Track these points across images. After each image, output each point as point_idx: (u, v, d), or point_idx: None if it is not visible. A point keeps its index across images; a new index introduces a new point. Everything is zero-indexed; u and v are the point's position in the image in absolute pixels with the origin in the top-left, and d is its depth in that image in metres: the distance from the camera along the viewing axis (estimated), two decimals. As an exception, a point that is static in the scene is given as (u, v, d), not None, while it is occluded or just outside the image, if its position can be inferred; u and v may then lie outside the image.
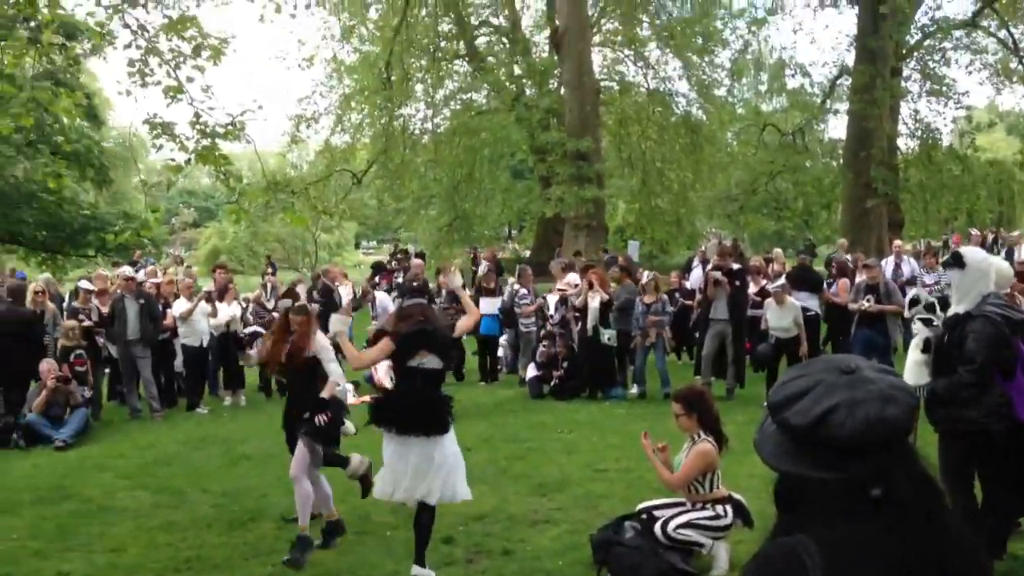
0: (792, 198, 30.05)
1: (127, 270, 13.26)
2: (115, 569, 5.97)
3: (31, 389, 10.71)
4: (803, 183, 28.19)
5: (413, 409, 5.57)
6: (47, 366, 10.64)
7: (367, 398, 11.44)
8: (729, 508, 5.46)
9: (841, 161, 27.26)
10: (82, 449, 9.98)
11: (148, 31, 7.42)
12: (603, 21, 29.18)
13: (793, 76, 28.84)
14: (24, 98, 8.48)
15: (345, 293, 15.93)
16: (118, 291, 12.00)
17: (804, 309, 11.56)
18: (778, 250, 18.42)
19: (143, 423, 11.51)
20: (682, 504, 5.53)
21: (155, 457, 9.38)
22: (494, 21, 30.80)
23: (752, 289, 12.63)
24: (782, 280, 11.97)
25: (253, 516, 7.10)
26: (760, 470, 1.63)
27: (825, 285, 13.11)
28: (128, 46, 7.45)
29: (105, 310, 11.90)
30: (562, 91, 26.02)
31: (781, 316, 11.11)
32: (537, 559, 5.81)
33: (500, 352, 14.49)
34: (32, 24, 11.74)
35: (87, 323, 11.68)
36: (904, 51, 25.92)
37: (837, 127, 48.02)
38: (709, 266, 12.76)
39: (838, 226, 27.67)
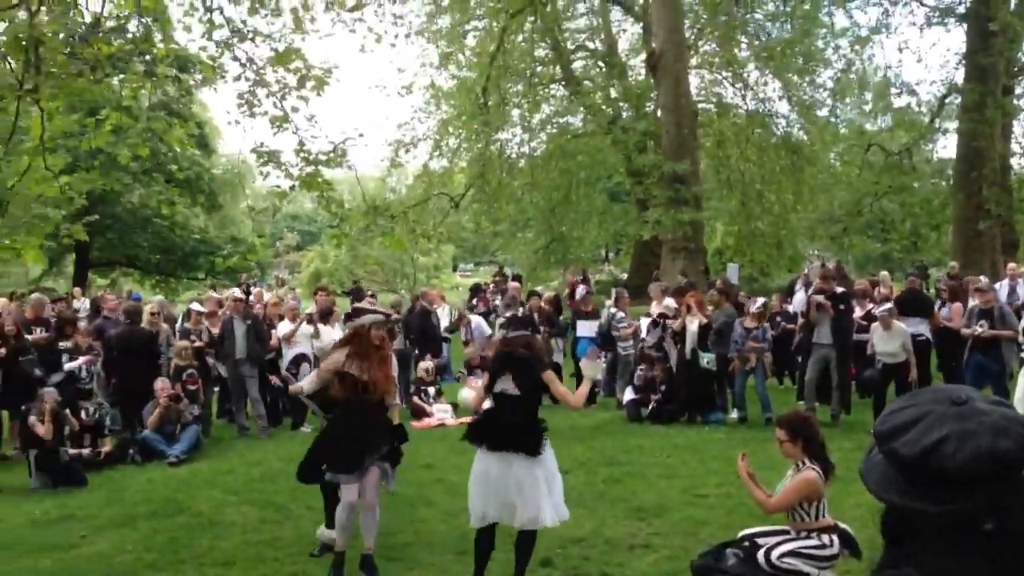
0: (899, 219, 29.17)
1: (236, 292, 13.73)
2: (224, 582, 6.17)
3: (146, 407, 11.15)
4: (911, 204, 27.35)
5: (506, 428, 5.66)
6: (161, 384, 11.07)
7: (467, 419, 11.56)
8: (835, 538, 5.31)
9: (951, 181, 26.37)
10: (193, 465, 10.34)
11: (256, 64, 7.69)
12: (700, 43, 28.96)
13: (899, 95, 28.06)
14: (141, 128, 8.90)
15: (443, 315, 16.24)
16: (227, 312, 12.42)
17: (914, 334, 11.22)
18: (884, 273, 17.88)
19: (250, 440, 11.86)
20: (786, 532, 5.41)
21: (261, 474, 9.65)
22: (590, 45, 30.90)
23: (858, 313, 12.32)
24: (889, 304, 11.62)
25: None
26: (867, 499, 1.61)
27: (936, 309, 12.72)
28: (237, 78, 7.74)
29: (215, 331, 12.34)
30: (659, 113, 25.87)
31: (888, 341, 10.81)
32: (636, 584, 5.77)
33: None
34: (147, 58, 12.27)
35: (198, 343, 12.11)
36: (1016, 68, 24.98)
37: (946, 147, 46.53)
38: (812, 289, 12.52)
39: (948, 248, 26.73)
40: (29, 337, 11.46)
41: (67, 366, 11.45)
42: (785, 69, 26.31)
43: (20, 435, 10.64)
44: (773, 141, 27.71)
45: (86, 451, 10.26)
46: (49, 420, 9.80)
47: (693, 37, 27.72)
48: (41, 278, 32.86)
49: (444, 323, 15.91)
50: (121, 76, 14.60)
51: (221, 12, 7.43)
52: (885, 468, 1.53)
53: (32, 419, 9.89)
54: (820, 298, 11.40)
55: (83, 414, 10.48)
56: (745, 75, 28.36)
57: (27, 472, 9.80)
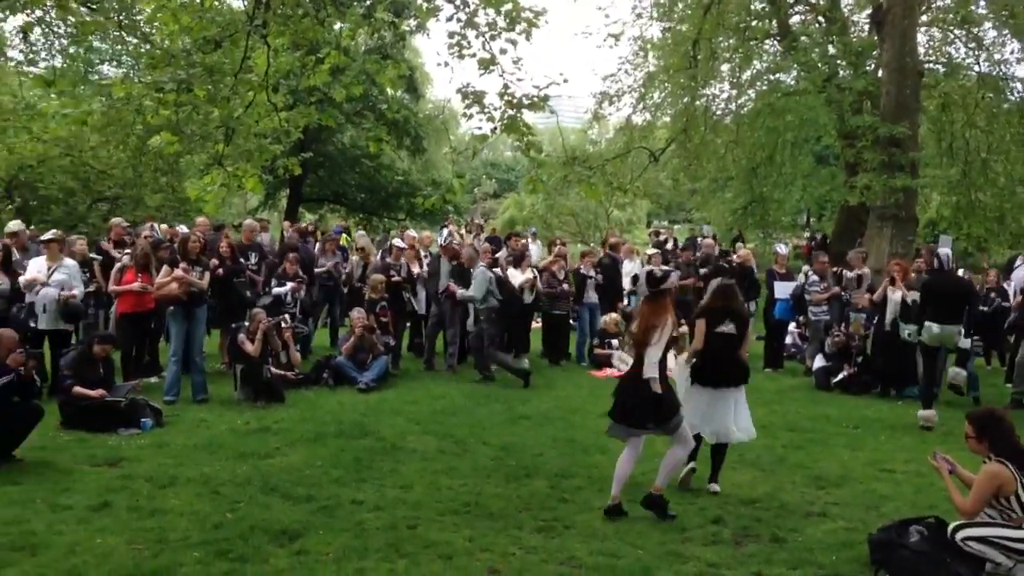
0: None
1: (446, 233, 14.36)
2: (402, 504, 6.43)
3: (341, 335, 11.71)
4: None
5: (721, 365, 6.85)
6: (357, 315, 11.61)
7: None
8: (1045, 532, 4.94)
9: None
10: (381, 393, 10.83)
11: (468, 5, 7.78)
12: (933, -2, 26.94)
13: None
14: (356, 69, 9.23)
15: (635, 268, 16.13)
16: (437, 252, 12.92)
17: None
18: (1124, 256, 16.33)
19: (435, 375, 12.29)
20: (991, 518, 5.09)
21: (443, 407, 10.00)
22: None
23: (1086, 295, 11.33)
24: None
25: (528, 472, 7.38)
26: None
27: None
28: (449, 19, 7.85)
29: (415, 268, 12.84)
30: (879, 73, 24.36)
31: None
32: (808, 550, 5.57)
33: (788, 339, 14.04)
34: (367, 2, 12.68)
35: (396, 278, 12.59)
36: None
37: None
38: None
39: None
40: (243, 261, 12.26)
41: (275, 291, 12.17)
42: (1027, 29, 24.06)
43: (228, 351, 11.47)
44: (1006, 107, 25.52)
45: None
46: (259, 339, 10.49)
47: (927, -9, 25.81)
48: (257, 210, 34.99)
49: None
50: (342, 18, 15.19)
51: (439, -47, 7.52)
52: None
53: (241, 337, 10.61)
54: (1044, 275, 10.57)
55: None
56: (980, 34, 26.18)
57: (232, 385, 10.55)
